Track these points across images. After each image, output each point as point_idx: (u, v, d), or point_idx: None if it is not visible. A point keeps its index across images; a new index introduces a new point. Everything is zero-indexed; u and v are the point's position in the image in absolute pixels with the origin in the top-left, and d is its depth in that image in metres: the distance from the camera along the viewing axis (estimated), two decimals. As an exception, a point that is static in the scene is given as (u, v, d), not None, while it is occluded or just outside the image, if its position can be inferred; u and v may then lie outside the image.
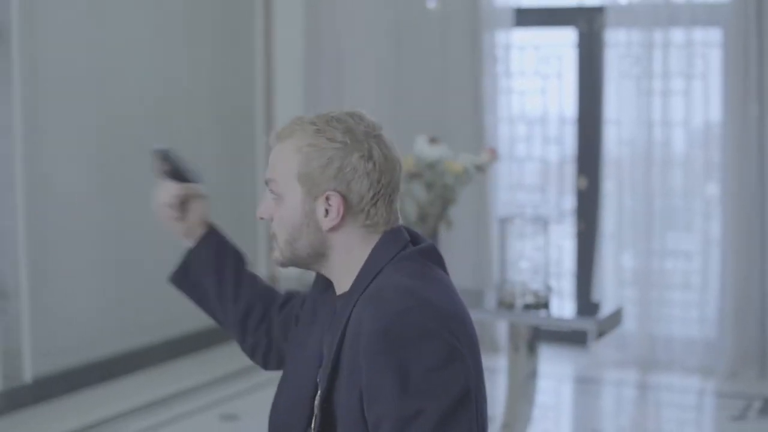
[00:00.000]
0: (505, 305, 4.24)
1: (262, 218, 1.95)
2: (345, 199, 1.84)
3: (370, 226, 1.87)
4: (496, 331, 6.59)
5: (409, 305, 1.74)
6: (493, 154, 4.67)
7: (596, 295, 6.35)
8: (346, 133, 1.84)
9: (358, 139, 1.84)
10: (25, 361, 5.46)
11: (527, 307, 4.23)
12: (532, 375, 4.42)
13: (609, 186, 6.46)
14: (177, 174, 2.22)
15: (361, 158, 1.84)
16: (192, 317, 6.48)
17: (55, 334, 5.61)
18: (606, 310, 4.54)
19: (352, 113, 1.88)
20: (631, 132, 6.34)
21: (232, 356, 6.38)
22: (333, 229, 1.86)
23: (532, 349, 4.38)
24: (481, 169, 4.59)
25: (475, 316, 2.07)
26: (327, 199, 1.84)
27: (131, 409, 5.47)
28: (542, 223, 4.34)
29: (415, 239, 1.93)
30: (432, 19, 6.65)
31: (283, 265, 1.93)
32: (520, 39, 6.76)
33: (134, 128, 6.08)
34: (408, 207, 4.42)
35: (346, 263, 1.89)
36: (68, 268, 5.69)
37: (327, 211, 1.85)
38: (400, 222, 1.94)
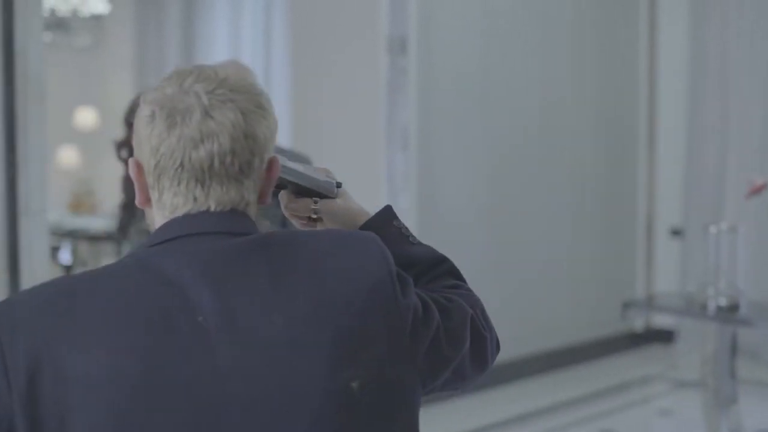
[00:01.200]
0: None
1: None
2: (142, 168, 1.51)
3: (160, 209, 1.51)
4: None
5: None
6: None
7: None
8: (155, 90, 1.50)
9: (154, 99, 1.49)
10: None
11: None
12: None
13: None
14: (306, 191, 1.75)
15: (144, 119, 1.49)
16: (571, 330, 6.55)
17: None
18: None
19: (203, 70, 1.51)
20: None
21: (610, 370, 6.36)
22: (144, 204, 1.54)
23: None
24: None
25: None
26: None
27: (506, 419, 5.53)
28: None
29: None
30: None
31: None
32: None
33: (519, 139, 6.18)
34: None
35: None
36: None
37: None
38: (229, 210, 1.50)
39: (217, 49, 8.12)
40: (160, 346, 1.38)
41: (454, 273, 1.70)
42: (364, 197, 5.79)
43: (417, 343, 1.48)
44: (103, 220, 7.83)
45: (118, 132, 3.52)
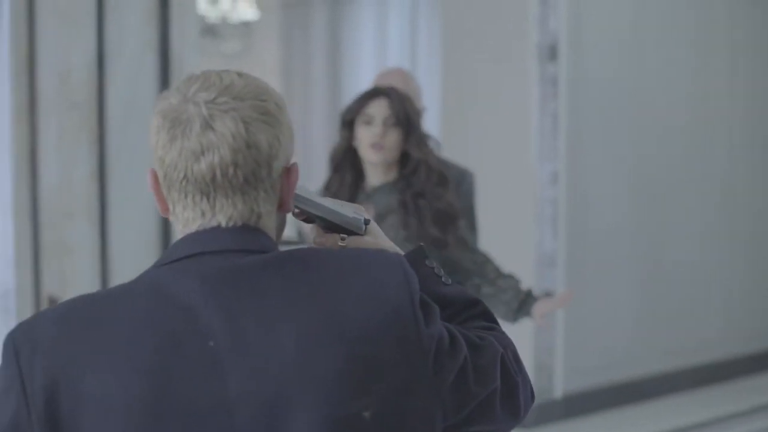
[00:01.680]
0: None
1: None
2: (158, 178, 1.48)
3: (176, 222, 1.47)
4: None
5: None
6: None
7: None
8: (163, 99, 1.46)
9: (160, 110, 1.45)
10: (557, 377, 5.59)
11: None
12: None
13: None
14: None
15: (152, 129, 1.46)
16: (723, 344, 6.38)
17: (588, 352, 5.69)
18: None
19: (208, 77, 1.45)
20: None
21: (762, 387, 6.18)
22: (166, 214, 1.50)
23: None
24: None
25: None
26: None
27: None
28: None
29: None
30: None
31: None
32: None
33: (669, 150, 6.05)
34: None
35: None
36: (604, 290, 5.75)
37: None
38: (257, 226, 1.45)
39: (363, 54, 8.15)
40: (168, 371, 1.36)
41: (488, 315, 1.62)
42: (512, 207, 5.75)
43: (441, 375, 1.42)
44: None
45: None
